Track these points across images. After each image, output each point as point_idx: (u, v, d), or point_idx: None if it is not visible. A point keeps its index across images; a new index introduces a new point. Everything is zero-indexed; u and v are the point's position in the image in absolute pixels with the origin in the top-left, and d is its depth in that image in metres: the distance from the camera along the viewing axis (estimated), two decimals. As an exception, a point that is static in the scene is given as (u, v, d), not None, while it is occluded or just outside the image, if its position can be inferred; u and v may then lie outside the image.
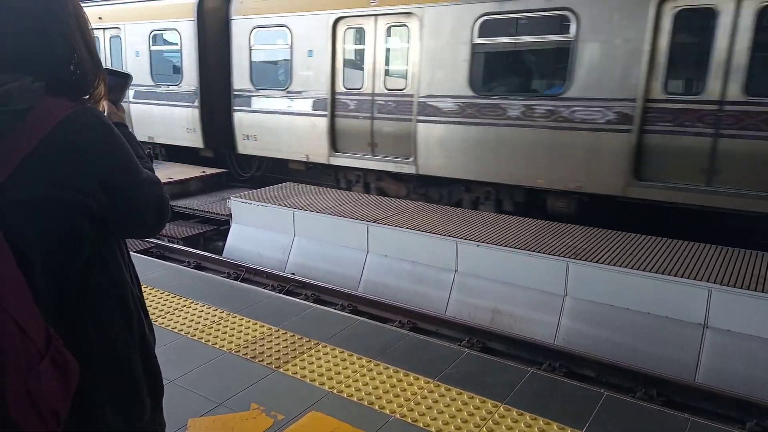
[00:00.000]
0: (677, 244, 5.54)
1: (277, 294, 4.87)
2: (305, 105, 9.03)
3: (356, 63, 8.66)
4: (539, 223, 6.36)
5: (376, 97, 8.35)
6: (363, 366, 3.42)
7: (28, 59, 1.23)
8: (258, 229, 7.31)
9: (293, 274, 6.58)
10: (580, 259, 5.06)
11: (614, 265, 4.92)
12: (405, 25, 7.96)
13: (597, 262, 5.00)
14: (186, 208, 8.86)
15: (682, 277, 4.65)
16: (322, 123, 8.86)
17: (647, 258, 5.08)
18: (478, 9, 7.19)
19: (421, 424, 2.86)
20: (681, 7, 6.06)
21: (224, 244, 7.71)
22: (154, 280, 4.76)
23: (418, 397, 3.09)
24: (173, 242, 7.75)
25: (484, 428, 2.83)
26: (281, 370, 3.36)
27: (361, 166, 8.82)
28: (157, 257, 6.52)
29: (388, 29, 8.17)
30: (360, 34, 8.46)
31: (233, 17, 9.65)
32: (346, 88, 8.64)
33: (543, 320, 5.22)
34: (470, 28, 7.25)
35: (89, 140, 1.25)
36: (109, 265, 1.37)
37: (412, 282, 6.01)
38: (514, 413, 2.95)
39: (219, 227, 8.45)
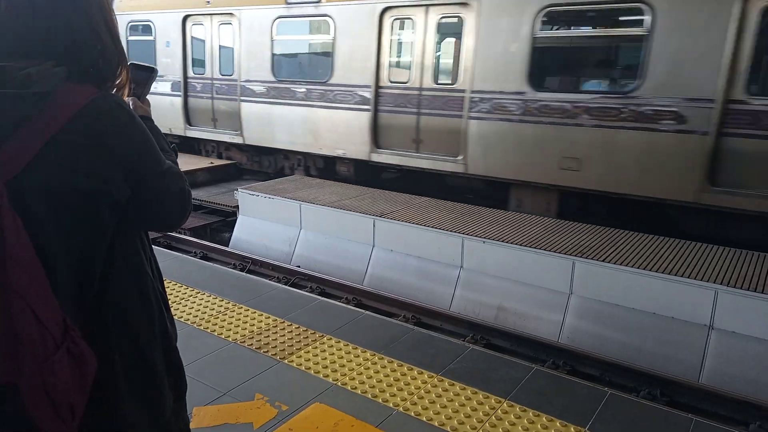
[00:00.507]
0: (684, 244, 5.52)
1: (283, 286, 4.89)
2: (165, 87, 11.13)
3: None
4: (546, 221, 6.35)
5: (214, 81, 10.48)
6: (367, 359, 3.43)
7: (51, 44, 1.22)
8: (264, 221, 7.33)
9: (299, 266, 6.60)
10: (586, 258, 5.06)
11: (620, 264, 4.91)
12: (230, 24, 9.95)
13: (603, 261, 4.99)
14: (193, 198, 8.86)
15: (688, 277, 4.63)
16: (178, 102, 11.08)
17: (653, 258, 5.07)
18: None
19: (424, 418, 2.87)
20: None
21: (231, 236, 7.74)
22: (162, 269, 4.76)
23: (422, 391, 3.11)
24: (180, 232, 7.78)
25: (487, 423, 2.84)
26: (286, 361, 3.38)
27: (213, 138, 10.96)
28: (164, 247, 6.55)
29: (219, 26, 10.23)
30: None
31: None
32: (195, 73, 10.83)
33: (548, 318, 5.22)
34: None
35: (112, 127, 1.23)
36: (131, 257, 1.35)
37: (417, 277, 6.02)
38: (518, 409, 2.96)
39: (226, 218, 8.48)
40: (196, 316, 3.95)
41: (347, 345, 3.60)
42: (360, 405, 2.97)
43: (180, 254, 5.67)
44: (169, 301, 4.19)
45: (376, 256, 6.34)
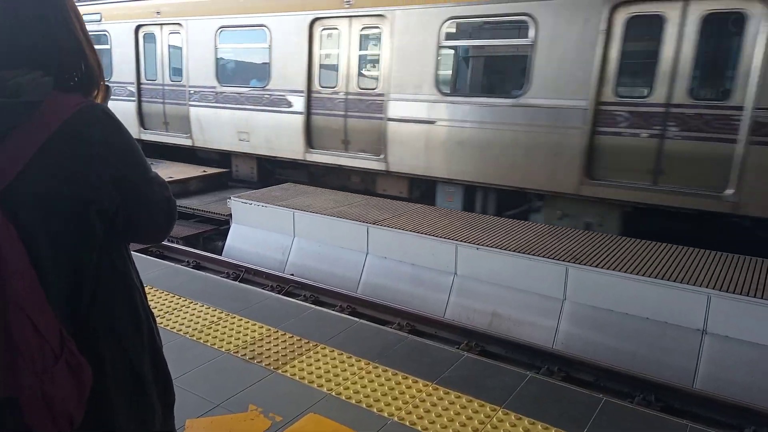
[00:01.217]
0: (677, 249, 5.55)
1: (276, 295, 4.87)
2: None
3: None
4: (539, 227, 6.36)
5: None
6: (362, 368, 3.41)
7: (37, 55, 1.23)
8: (258, 229, 7.31)
9: (292, 274, 6.58)
10: (579, 264, 5.06)
11: (614, 269, 4.92)
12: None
13: (596, 266, 5.00)
14: (186, 207, 8.85)
15: (681, 282, 4.65)
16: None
17: (646, 263, 5.08)
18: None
19: (419, 427, 2.85)
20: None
21: (224, 244, 7.71)
22: (154, 279, 4.75)
23: (417, 399, 3.09)
24: (172, 241, 7.75)
25: (483, 432, 2.83)
26: (280, 371, 3.36)
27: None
28: (156, 256, 6.51)
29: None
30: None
31: None
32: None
33: (542, 324, 5.22)
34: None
35: (101, 135, 1.24)
36: (119, 268, 1.36)
37: (411, 284, 6.01)
38: (513, 417, 2.95)
39: (219, 227, 8.44)
40: (189, 326, 3.92)
41: (341, 354, 3.58)
42: (354, 415, 2.95)
43: (172, 264, 5.64)
44: (162, 312, 4.20)
45: (370, 264, 6.32)
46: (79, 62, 1.30)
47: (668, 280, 4.70)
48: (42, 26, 1.25)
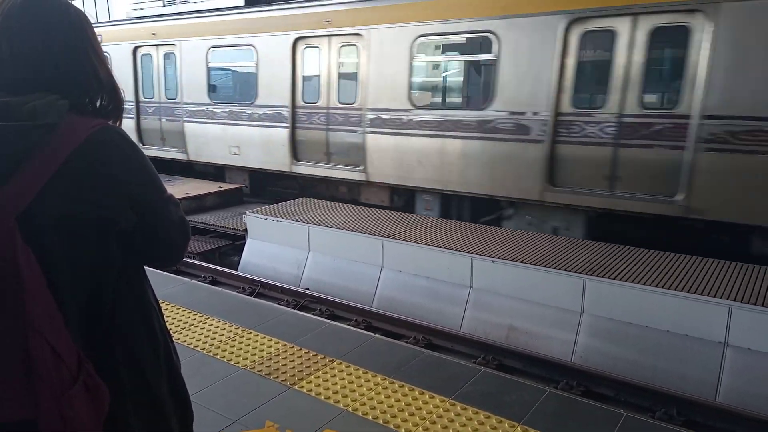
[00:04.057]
0: (696, 260, 5.47)
1: (292, 310, 4.87)
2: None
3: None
4: (555, 239, 6.32)
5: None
6: (378, 384, 3.40)
7: (54, 79, 1.25)
8: (273, 244, 7.34)
9: (308, 289, 6.59)
10: (596, 276, 5.01)
11: (632, 282, 4.86)
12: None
13: (614, 278, 4.94)
14: (202, 223, 8.92)
15: (701, 294, 4.58)
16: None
17: (665, 275, 5.02)
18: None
19: (436, 444, 2.83)
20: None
21: (240, 259, 7.74)
22: (170, 295, 4.79)
23: (434, 416, 3.06)
24: (189, 257, 7.80)
25: (501, 448, 2.80)
26: (296, 387, 3.35)
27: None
28: (173, 272, 6.56)
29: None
30: None
31: None
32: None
33: (560, 338, 5.16)
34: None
35: (117, 157, 1.26)
36: (136, 290, 1.36)
37: (426, 298, 5.99)
38: (532, 433, 2.91)
39: (234, 242, 8.49)
40: (206, 342, 3.93)
41: (357, 369, 3.57)
42: (371, 431, 2.93)
43: (189, 279, 5.67)
44: (178, 328, 4.21)
45: (385, 278, 6.31)
46: (94, 85, 1.32)
47: (688, 291, 4.63)
48: (68, 55, 1.27)
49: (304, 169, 9.37)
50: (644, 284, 4.80)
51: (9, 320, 1.09)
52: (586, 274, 5.07)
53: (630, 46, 6.21)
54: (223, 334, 4.06)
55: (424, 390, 3.32)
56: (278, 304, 5.46)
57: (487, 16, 7.08)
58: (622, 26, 6.23)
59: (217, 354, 3.76)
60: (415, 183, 8.13)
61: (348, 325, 4.90)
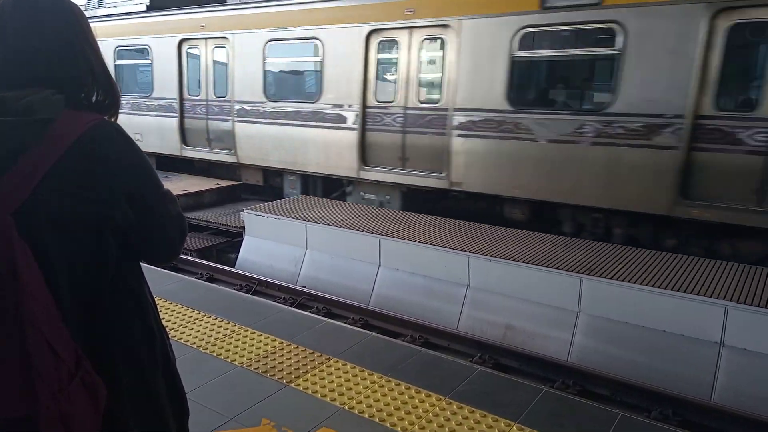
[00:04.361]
0: (693, 260, 5.48)
1: (289, 307, 4.87)
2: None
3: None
4: (553, 238, 6.32)
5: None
6: (374, 382, 3.40)
7: (50, 74, 1.25)
8: (270, 241, 7.34)
9: (305, 286, 6.58)
10: (593, 275, 5.02)
11: (629, 281, 4.87)
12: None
13: (611, 278, 4.95)
14: (199, 220, 8.91)
15: (698, 294, 4.59)
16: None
17: (662, 275, 5.02)
18: None
19: (432, 443, 2.83)
20: None
21: (237, 256, 7.74)
22: (167, 292, 4.78)
23: (430, 414, 3.07)
24: (186, 254, 7.79)
25: (497, 448, 2.80)
26: (293, 385, 3.35)
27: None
28: (170, 269, 6.55)
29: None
30: None
31: None
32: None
33: (556, 337, 5.17)
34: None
35: (113, 152, 1.25)
36: (133, 287, 1.36)
37: (423, 296, 5.99)
38: (527, 433, 2.92)
39: (232, 239, 8.48)
40: (202, 339, 3.93)
41: (354, 368, 3.57)
42: (367, 430, 2.93)
43: (186, 277, 5.67)
44: (175, 325, 4.20)
45: (383, 276, 6.31)
46: (89, 80, 1.32)
47: (684, 292, 4.64)
48: (63, 50, 1.27)
49: (191, 153, 10.75)
50: (641, 284, 4.81)
51: (6, 317, 1.08)
52: (583, 273, 5.07)
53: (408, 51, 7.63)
54: (219, 332, 4.06)
55: (420, 388, 3.32)
56: (275, 301, 5.46)
57: (314, 25, 8.54)
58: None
59: (213, 351, 3.76)
60: (272, 164, 9.62)
61: (345, 323, 4.89)
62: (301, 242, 7.00)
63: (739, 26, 5.64)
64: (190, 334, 4.00)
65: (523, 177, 6.97)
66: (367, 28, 7.98)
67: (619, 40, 6.13)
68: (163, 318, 4.17)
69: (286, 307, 4.87)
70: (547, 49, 6.89)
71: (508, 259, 5.46)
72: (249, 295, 5.24)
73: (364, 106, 8.15)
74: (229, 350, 3.78)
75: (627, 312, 4.86)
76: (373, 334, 4.20)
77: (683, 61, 5.80)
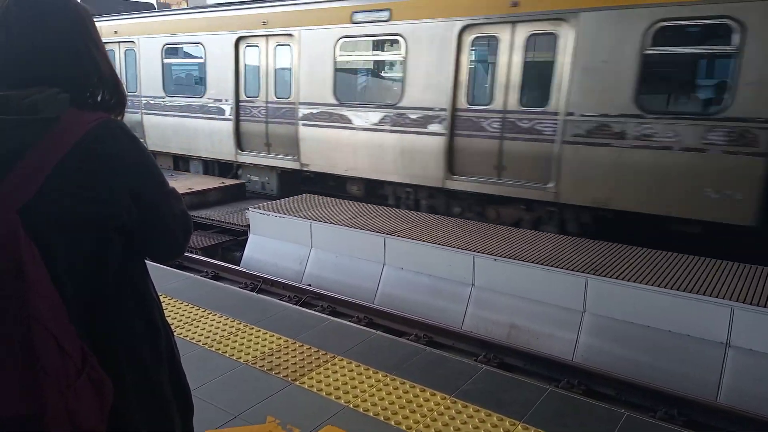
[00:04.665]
0: (699, 260, 5.46)
1: (294, 306, 4.88)
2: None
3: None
4: (558, 238, 6.31)
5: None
6: (379, 380, 3.40)
7: (54, 73, 1.25)
8: (275, 240, 7.35)
9: (310, 285, 6.59)
10: (599, 275, 5.00)
11: (634, 281, 4.85)
12: None
13: (616, 278, 4.94)
14: (205, 218, 8.93)
15: (704, 294, 4.57)
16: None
17: (668, 275, 5.01)
18: None
19: (437, 441, 2.83)
20: None
21: (242, 255, 7.75)
22: (173, 290, 4.80)
23: (435, 413, 3.07)
24: (191, 252, 7.81)
25: (502, 446, 2.80)
26: (298, 383, 3.36)
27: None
28: (176, 267, 6.57)
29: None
30: None
31: None
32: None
33: (561, 336, 5.16)
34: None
35: (117, 150, 1.25)
36: (138, 285, 1.36)
37: (428, 295, 5.99)
38: (532, 432, 2.92)
39: (237, 238, 8.50)
40: (207, 337, 3.94)
41: (359, 366, 3.57)
42: (372, 428, 2.94)
43: (191, 275, 5.68)
44: (180, 323, 4.22)
45: (387, 275, 6.32)
46: (94, 79, 1.32)
47: (691, 292, 4.62)
48: (67, 49, 1.27)
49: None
50: (646, 284, 4.79)
51: (6, 317, 1.08)
52: (588, 273, 5.06)
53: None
54: (225, 330, 4.07)
55: (425, 387, 3.32)
56: (280, 300, 5.48)
57: (198, 32, 10.34)
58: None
59: (219, 349, 3.77)
60: (174, 151, 11.53)
61: (350, 321, 4.90)
62: (305, 241, 7.00)
63: (478, 39, 7.48)
64: (195, 332, 4.01)
65: (351, 159, 8.79)
66: (235, 36, 9.81)
67: (403, 49, 8.00)
68: (169, 316, 4.20)
69: (291, 305, 4.88)
70: (360, 55, 8.91)
71: (513, 259, 5.45)
72: (254, 294, 5.25)
73: (237, 100, 10.04)
74: (235, 348, 3.79)
75: (632, 312, 4.85)
76: (378, 332, 4.20)
77: (445, 65, 7.62)
